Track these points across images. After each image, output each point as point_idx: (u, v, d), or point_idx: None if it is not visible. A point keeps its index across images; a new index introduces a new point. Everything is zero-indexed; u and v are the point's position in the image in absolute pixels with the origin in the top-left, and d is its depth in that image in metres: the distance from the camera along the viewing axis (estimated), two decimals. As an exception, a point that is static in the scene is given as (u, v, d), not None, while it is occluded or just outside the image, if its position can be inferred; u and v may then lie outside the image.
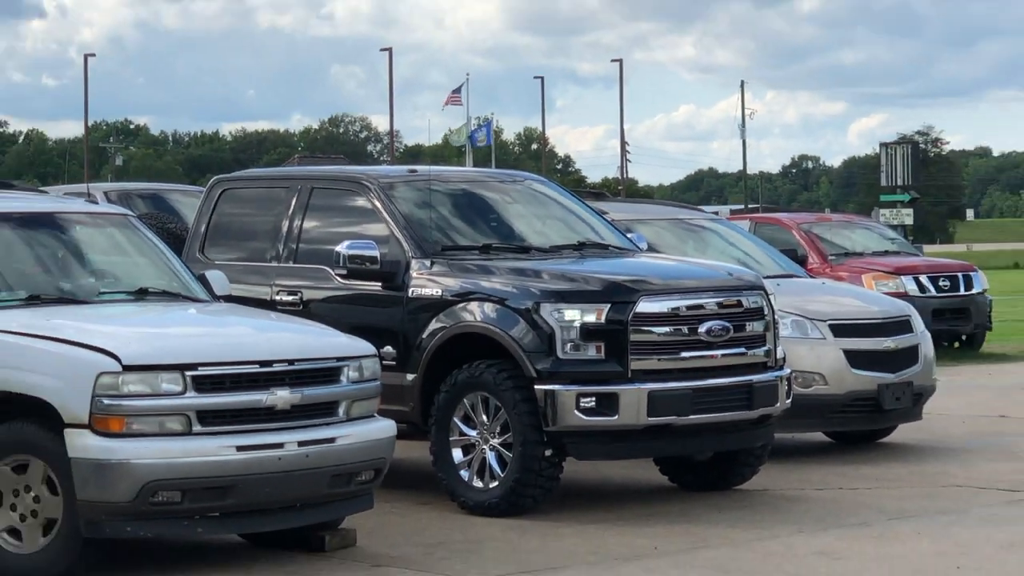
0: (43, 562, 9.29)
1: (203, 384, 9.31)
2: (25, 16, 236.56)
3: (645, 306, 11.51)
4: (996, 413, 17.57)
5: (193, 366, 9.30)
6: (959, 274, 25.29)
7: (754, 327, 12.04)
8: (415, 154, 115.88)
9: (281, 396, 9.54)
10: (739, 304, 11.98)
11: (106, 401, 9.07)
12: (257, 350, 9.73)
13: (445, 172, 14.12)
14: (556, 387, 11.27)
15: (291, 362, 9.69)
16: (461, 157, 77.78)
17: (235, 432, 9.37)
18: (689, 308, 11.72)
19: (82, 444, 9.07)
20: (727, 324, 11.80)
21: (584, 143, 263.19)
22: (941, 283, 24.69)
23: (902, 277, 24.14)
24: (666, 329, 11.58)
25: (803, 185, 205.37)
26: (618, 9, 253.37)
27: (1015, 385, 20.56)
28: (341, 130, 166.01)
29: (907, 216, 40.10)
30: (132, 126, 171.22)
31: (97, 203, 12.34)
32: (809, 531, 11.01)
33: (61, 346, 9.31)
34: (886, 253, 25.76)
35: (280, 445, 9.49)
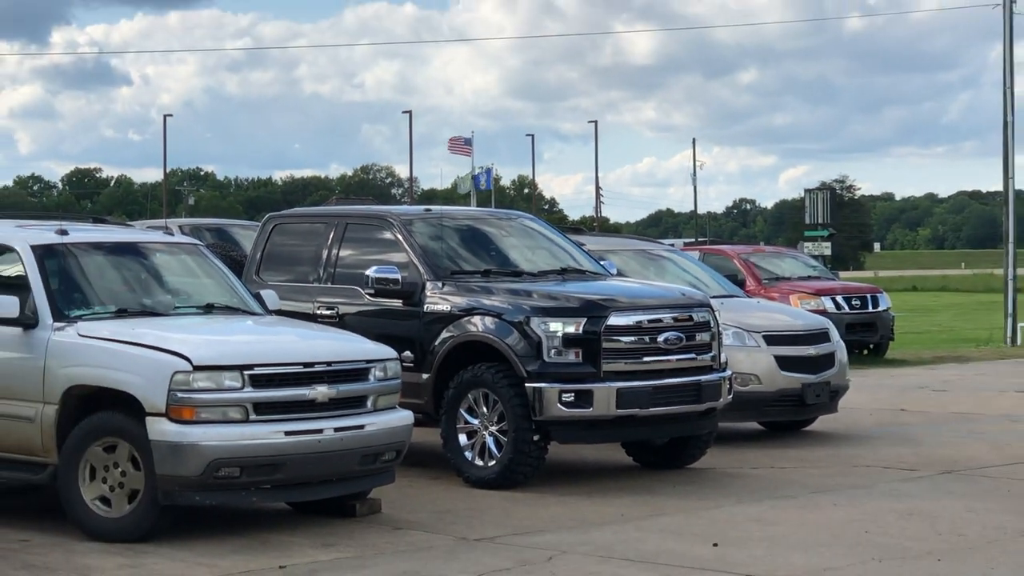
0: (128, 525, 9.29)
1: (258, 381, 9.30)
2: (116, 84, 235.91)
3: (615, 320, 11.50)
4: (897, 407, 17.57)
5: (250, 366, 9.30)
6: (868, 295, 25.26)
7: (702, 337, 12.02)
8: (430, 196, 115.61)
9: (321, 391, 9.54)
10: (690, 319, 11.98)
11: (180, 394, 9.07)
12: (301, 354, 9.72)
13: (454, 211, 14.10)
14: (542, 385, 11.26)
15: (329, 364, 9.68)
16: (467, 199, 77.57)
17: (284, 420, 9.37)
18: (650, 322, 11.71)
19: (160, 429, 9.07)
20: (680, 334, 11.80)
21: (566, 188, 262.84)
22: (853, 302, 24.66)
23: (822, 297, 24.08)
24: (631, 338, 11.56)
25: (742, 223, 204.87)
26: (593, 80, 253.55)
27: (912, 385, 20.56)
28: (370, 177, 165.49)
29: (826, 248, 39.94)
30: (202, 173, 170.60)
31: (173, 235, 12.33)
32: (747, 502, 10.99)
33: (143, 350, 9.31)
34: (809, 278, 25.70)
35: (320, 431, 9.49)
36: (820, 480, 12.03)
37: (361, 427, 9.71)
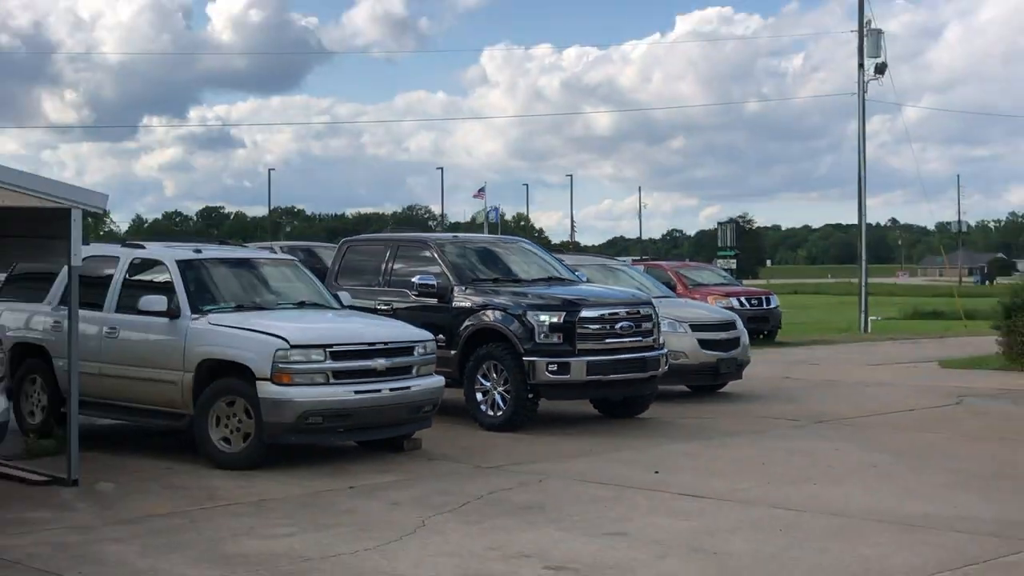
0: (243, 458, 9.27)
1: (336, 355, 9.28)
2: (234, 147, 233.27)
3: (586, 313, 11.48)
4: (783, 376, 17.51)
5: (331, 345, 9.29)
6: (762, 296, 25.18)
7: (646, 325, 12.00)
8: (455, 227, 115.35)
9: (380, 363, 9.51)
10: (638, 312, 11.95)
11: (280, 365, 9.05)
12: (367, 336, 9.69)
13: (473, 237, 14.08)
14: (535, 358, 11.24)
15: (386, 344, 9.66)
16: (481, 229, 77.43)
17: (354, 383, 9.35)
18: (610, 314, 11.69)
19: (266, 389, 9.06)
20: (631, 323, 11.77)
21: (551, 221, 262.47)
22: (752, 301, 24.59)
23: (730, 298, 23.98)
24: (597, 326, 11.54)
25: (673, 245, 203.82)
26: (569, 147, 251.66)
27: (795, 360, 20.50)
28: (414, 213, 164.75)
29: (733, 264, 39.90)
30: (296, 209, 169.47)
31: (275, 253, 12.28)
32: (680, 441, 10.95)
33: (255, 334, 9.29)
34: (721, 284, 25.64)
35: (379, 390, 9.47)
36: (730, 427, 11.99)
37: (408, 388, 9.69)
